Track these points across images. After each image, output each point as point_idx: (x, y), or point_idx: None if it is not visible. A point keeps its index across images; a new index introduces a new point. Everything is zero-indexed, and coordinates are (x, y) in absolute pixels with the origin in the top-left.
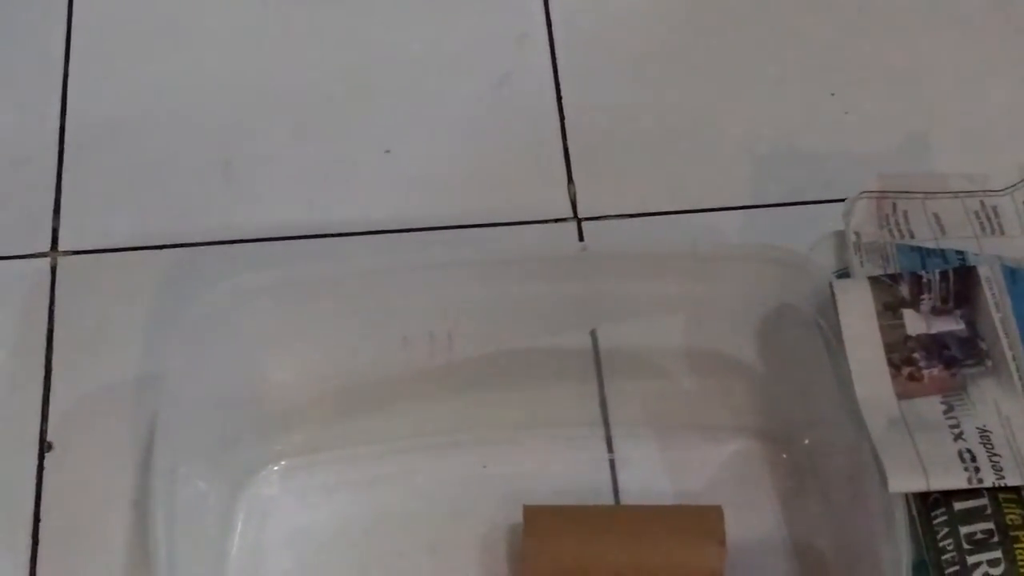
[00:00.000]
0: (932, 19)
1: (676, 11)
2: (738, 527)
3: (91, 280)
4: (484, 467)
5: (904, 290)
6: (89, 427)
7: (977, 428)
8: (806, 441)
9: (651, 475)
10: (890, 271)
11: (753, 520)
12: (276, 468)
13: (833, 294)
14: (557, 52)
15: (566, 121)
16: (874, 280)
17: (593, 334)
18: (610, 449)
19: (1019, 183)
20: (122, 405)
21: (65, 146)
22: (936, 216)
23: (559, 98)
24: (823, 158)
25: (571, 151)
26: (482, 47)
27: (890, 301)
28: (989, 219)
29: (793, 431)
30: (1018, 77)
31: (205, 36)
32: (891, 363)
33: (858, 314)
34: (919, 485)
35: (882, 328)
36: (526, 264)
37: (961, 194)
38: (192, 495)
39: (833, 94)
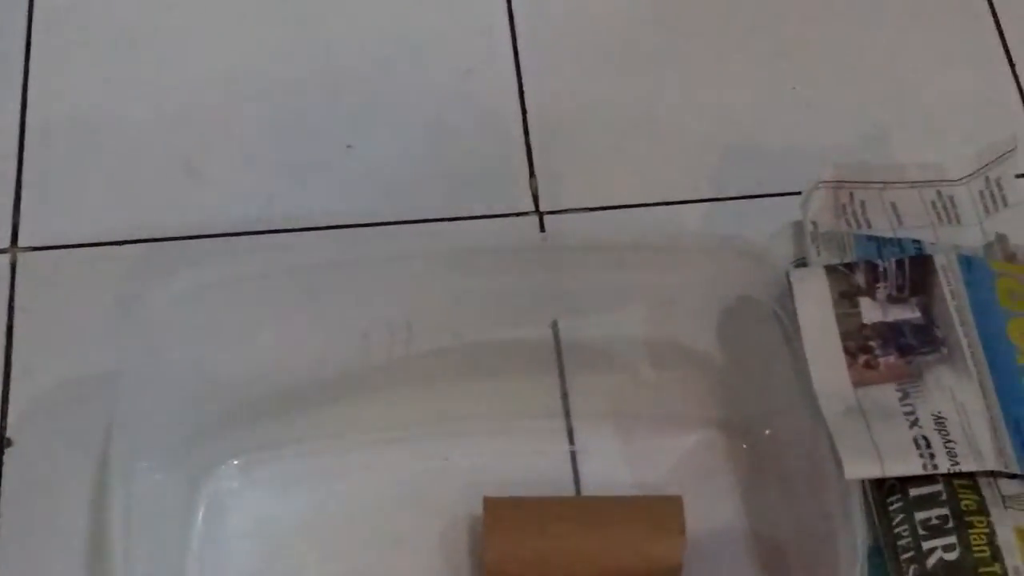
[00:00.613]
0: (891, 10)
1: (639, 5)
2: (698, 517)
3: (51, 276)
4: (445, 459)
5: (860, 279)
6: (48, 423)
7: (932, 415)
8: (766, 431)
9: (612, 466)
10: (847, 260)
11: (713, 510)
12: (236, 462)
13: (790, 283)
14: (520, 46)
15: (528, 115)
16: (830, 269)
17: (554, 326)
18: (571, 440)
19: (975, 173)
20: (81, 401)
21: (25, 143)
22: (893, 205)
23: (521, 93)
24: (784, 151)
25: (533, 145)
26: (445, 41)
27: (846, 290)
28: (946, 208)
29: (753, 421)
30: (976, 66)
31: (166, 34)
32: (847, 351)
33: (814, 303)
34: (874, 471)
35: (838, 316)
36: (486, 256)
37: (918, 184)
38: (151, 490)
39: (794, 88)
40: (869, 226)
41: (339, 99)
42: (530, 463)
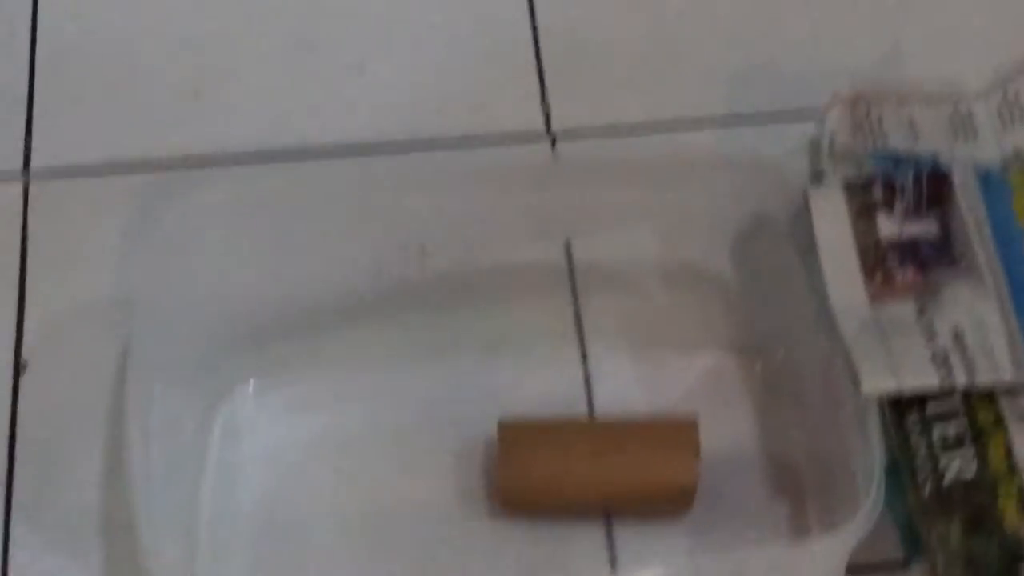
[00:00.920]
0: None
1: None
2: (712, 439)
3: (64, 202)
4: (459, 383)
5: (878, 194)
6: (64, 348)
7: (950, 330)
8: (780, 353)
9: (626, 389)
10: (863, 176)
11: (727, 432)
12: (250, 387)
13: (807, 200)
14: None
15: (540, 37)
16: (847, 185)
17: (567, 247)
18: (584, 364)
19: (993, 87)
20: (97, 325)
21: (36, 68)
22: (910, 121)
23: (532, 15)
24: (799, 71)
25: (545, 68)
26: None
27: (863, 205)
28: (963, 124)
29: (767, 343)
30: None
31: None
32: (864, 267)
33: (831, 219)
34: (891, 386)
35: (855, 233)
36: (499, 176)
37: (935, 99)
38: (166, 413)
39: (807, 4)
40: (886, 142)
41: (350, 22)
42: (543, 386)
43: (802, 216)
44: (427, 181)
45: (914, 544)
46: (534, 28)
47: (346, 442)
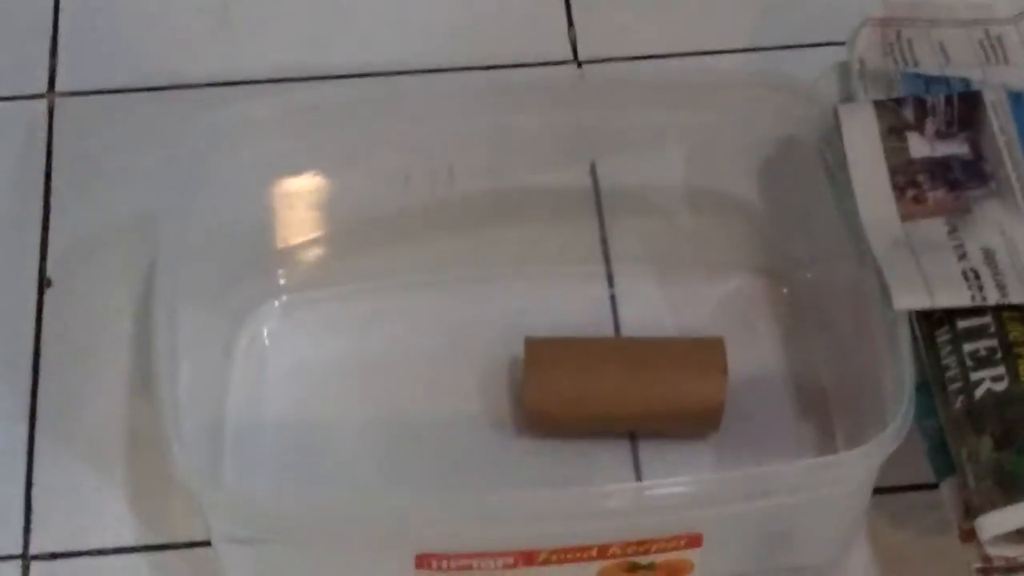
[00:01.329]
0: None
1: None
2: (739, 362)
3: (88, 121)
4: (485, 304)
5: (908, 114)
6: (89, 264)
7: (981, 248)
8: (808, 275)
9: (652, 311)
10: (894, 97)
11: (754, 354)
12: (276, 303)
13: (837, 117)
14: None
15: None
16: (878, 103)
17: (593, 169)
18: (611, 285)
19: (1022, 14)
20: (122, 242)
21: None
22: (941, 44)
23: None
24: (826, 7)
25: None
26: None
27: (894, 124)
28: (994, 48)
29: (794, 266)
30: None
31: None
32: (895, 185)
33: (862, 137)
34: (923, 302)
35: (886, 151)
36: (525, 95)
37: (967, 23)
38: (192, 328)
39: None
40: (916, 64)
41: None
42: (570, 306)
43: (832, 138)
44: (453, 99)
45: (944, 464)
46: None
47: (371, 362)
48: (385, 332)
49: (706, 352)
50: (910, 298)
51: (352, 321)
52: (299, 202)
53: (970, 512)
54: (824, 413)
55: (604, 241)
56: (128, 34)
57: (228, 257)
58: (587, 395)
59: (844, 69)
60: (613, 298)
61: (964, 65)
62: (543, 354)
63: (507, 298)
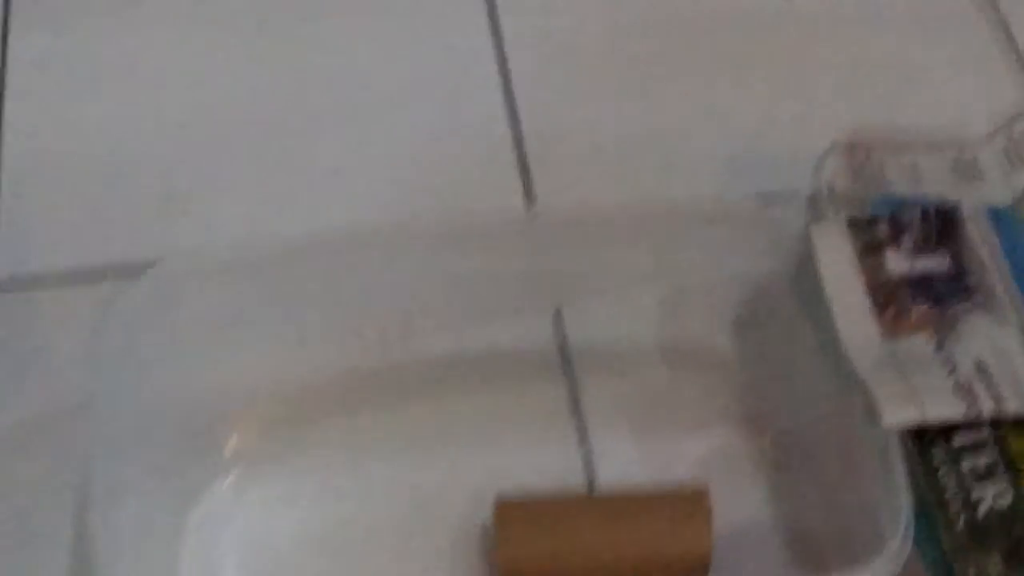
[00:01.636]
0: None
1: (628, 23)
2: (725, 515)
3: (27, 312)
4: (452, 471)
5: (883, 231)
6: (25, 458)
7: (972, 361)
8: (791, 420)
9: (629, 469)
10: (867, 215)
11: (740, 506)
12: (226, 481)
13: (809, 237)
14: (511, 67)
15: (524, 133)
16: (852, 221)
17: (558, 318)
18: (584, 444)
19: (997, 130)
20: (59, 433)
21: (1, 181)
22: (913, 167)
23: (513, 109)
24: (790, 156)
25: (530, 164)
26: (431, 67)
27: (869, 242)
28: (968, 168)
29: (776, 412)
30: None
31: (144, 71)
32: (875, 303)
33: (836, 256)
34: (913, 416)
35: (863, 269)
36: (481, 239)
37: (938, 145)
38: (136, 516)
39: (794, 92)
40: (889, 188)
41: (322, 128)
42: (542, 469)
43: (804, 269)
44: (402, 249)
45: None
46: (517, 127)
47: (332, 535)
48: (344, 505)
49: (689, 502)
50: (900, 414)
51: (308, 495)
52: (244, 369)
53: None
54: (819, 558)
55: (575, 399)
56: (68, 227)
57: (171, 435)
58: (566, 555)
59: (813, 197)
60: (587, 457)
61: (938, 186)
62: (516, 514)
63: (473, 463)
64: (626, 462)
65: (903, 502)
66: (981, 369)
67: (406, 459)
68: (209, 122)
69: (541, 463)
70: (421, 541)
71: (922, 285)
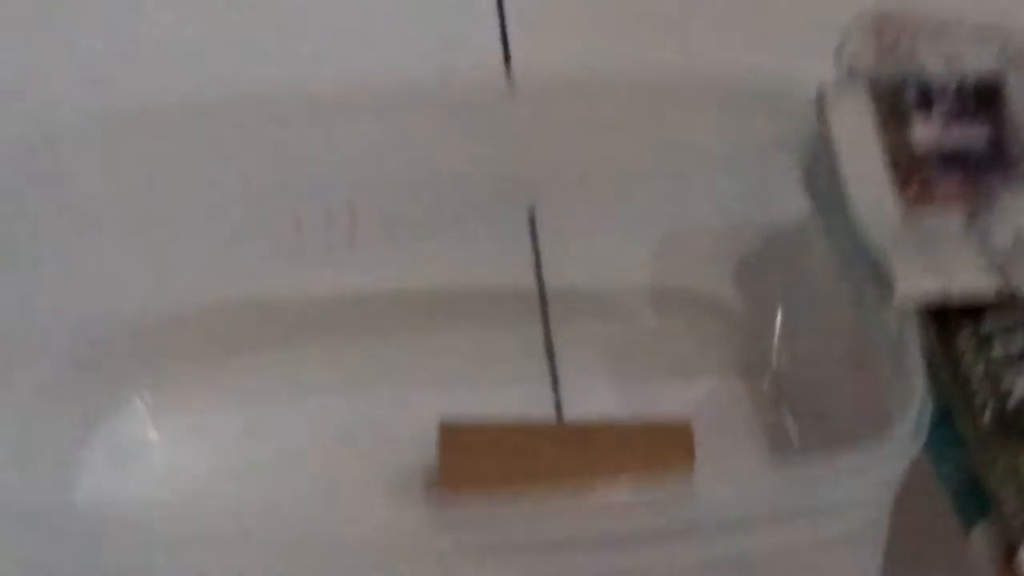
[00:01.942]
0: None
1: None
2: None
3: None
4: (396, 407)
5: (912, 96)
6: None
7: (1010, 234)
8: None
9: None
10: (893, 82)
11: (729, 454)
12: (136, 405)
13: (821, 100)
14: None
15: None
16: (875, 84)
17: (532, 221)
18: (555, 389)
19: None
20: None
21: None
22: (951, 53)
23: None
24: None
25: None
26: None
27: (894, 108)
28: (1017, 59)
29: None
30: None
31: None
32: (897, 175)
33: (854, 123)
34: (934, 287)
35: (884, 139)
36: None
37: (983, 29)
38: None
39: None
40: (921, 72)
41: None
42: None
43: (818, 161)
44: (350, 120)
45: (973, 506)
46: None
47: (257, 465)
48: (271, 435)
49: (668, 434)
50: (918, 284)
51: (233, 424)
52: (162, 271)
53: (1011, 550)
54: None
55: (548, 339)
56: None
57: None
58: (517, 479)
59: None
60: (558, 404)
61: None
62: (462, 439)
63: (422, 403)
64: (602, 409)
65: (917, 382)
66: (1019, 244)
67: (346, 396)
68: None
69: (504, 407)
70: (357, 478)
71: (954, 156)
